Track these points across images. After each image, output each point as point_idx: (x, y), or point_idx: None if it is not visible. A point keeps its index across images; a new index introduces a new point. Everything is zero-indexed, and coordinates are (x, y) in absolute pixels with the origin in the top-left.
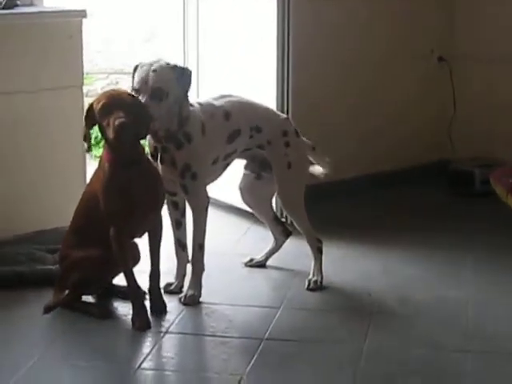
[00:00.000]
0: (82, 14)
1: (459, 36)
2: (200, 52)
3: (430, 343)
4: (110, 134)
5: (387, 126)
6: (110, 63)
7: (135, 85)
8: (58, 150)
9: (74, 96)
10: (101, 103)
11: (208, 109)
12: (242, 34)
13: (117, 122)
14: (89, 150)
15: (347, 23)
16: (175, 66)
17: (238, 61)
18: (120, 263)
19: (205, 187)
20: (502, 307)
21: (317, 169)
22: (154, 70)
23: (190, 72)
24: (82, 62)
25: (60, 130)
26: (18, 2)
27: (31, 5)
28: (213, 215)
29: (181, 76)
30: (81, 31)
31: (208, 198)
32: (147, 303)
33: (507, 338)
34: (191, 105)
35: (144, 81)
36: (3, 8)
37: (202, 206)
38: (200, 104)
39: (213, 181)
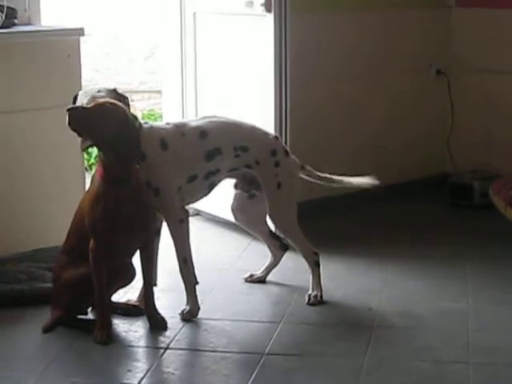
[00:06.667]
0: (80, 32)
1: (457, 49)
2: (198, 70)
3: (431, 356)
4: None
5: (387, 140)
6: (109, 82)
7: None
8: (57, 168)
9: None
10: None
11: (178, 127)
12: (240, 51)
13: (68, 107)
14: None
15: (349, 40)
16: (115, 90)
17: (236, 78)
18: (93, 276)
19: (176, 201)
20: (503, 319)
21: (361, 181)
22: (99, 91)
23: (128, 100)
24: (81, 80)
25: (59, 149)
26: (16, 21)
27: (29, 24)
28: (213, 232)
29: (123, 99)
30: (79, 49)
31: (183, 210)
32: (144, 321)
33: (508, 349)
34: (146, 122)
35: (93, 97)
36: (1, 27)
37: (174, 219)
38: (168, 123)
39: (196, 200)
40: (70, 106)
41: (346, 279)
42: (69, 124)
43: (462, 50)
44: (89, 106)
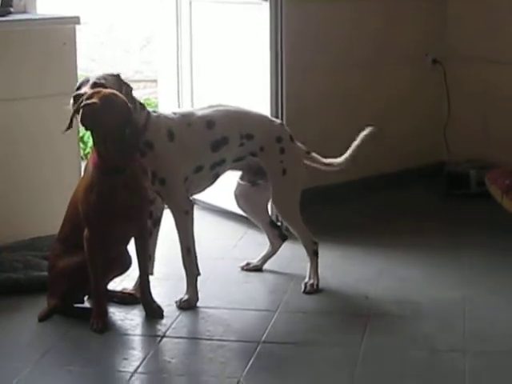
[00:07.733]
0: (76, 20)
1: (453, 39)
2: (194, 59)
3: (427, 344)
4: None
5: (383, 129)
6: (105, 71)
7: (77, 85)
8: (54, 157)
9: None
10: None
11: (185, 117)
12: (235, 40)
13: (83, 103)
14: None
15: (345, 30)
16: (119, 76)
17: (232, 67)
18: (88, 265)
19: (182, 192)
20: (499, 307)
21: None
22: (96, 74)
23: (131, 89)
24: (76, 69)
25: (56, 138)
26: (12, 10)
27: (24, 12)
28: (209, 220)
29: (125, 86)
30: (75, 38)
31: (189, 201)
32: (141, 309)
33: (504, 337)
34: (154, 111)
35: (86, 79)
36: None
37: (179, 210)
38: (175, 113)
39: (200, 190)
40: (84, 102)
41: (343, 268)
42: (82, 121)
43: (457, 39)
44: (95, 100)
